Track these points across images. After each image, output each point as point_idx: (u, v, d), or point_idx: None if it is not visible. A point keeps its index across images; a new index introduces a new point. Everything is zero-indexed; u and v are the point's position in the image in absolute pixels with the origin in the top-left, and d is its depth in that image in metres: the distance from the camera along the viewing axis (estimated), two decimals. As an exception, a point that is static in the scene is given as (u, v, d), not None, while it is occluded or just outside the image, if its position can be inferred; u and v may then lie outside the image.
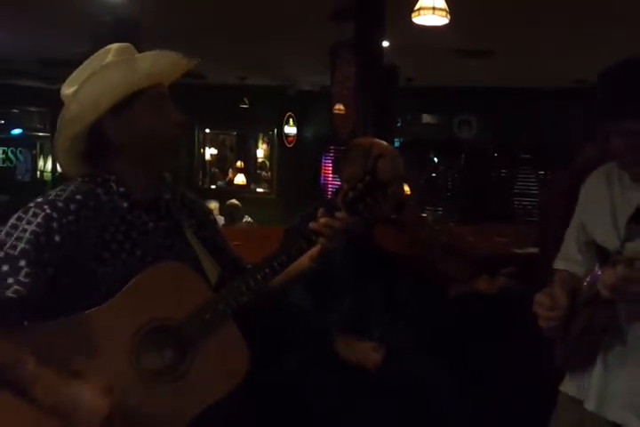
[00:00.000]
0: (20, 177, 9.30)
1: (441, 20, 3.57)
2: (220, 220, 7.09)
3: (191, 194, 1.61)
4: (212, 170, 9.53)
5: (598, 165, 1.54)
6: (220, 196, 7.86)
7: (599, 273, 1.26)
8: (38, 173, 9.54)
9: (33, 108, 9.08)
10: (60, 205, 1.31)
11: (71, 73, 1.40)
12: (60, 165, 1.47)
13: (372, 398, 1.96)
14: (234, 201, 7.52)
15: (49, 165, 9.53)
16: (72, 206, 1.31)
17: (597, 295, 1.23)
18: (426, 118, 8.20)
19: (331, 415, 1.93)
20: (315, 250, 1.50)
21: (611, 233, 1.39)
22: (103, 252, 1.33)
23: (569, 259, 1.54)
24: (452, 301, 2.25)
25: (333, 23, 4.18)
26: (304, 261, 1.52)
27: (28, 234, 1.27)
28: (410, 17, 3.60)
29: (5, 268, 1.25)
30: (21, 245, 1.26)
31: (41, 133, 9.26)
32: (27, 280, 1.24)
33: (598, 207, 1.46)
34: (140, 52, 1.40)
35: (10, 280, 1.23)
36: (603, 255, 1.36)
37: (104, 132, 1.35)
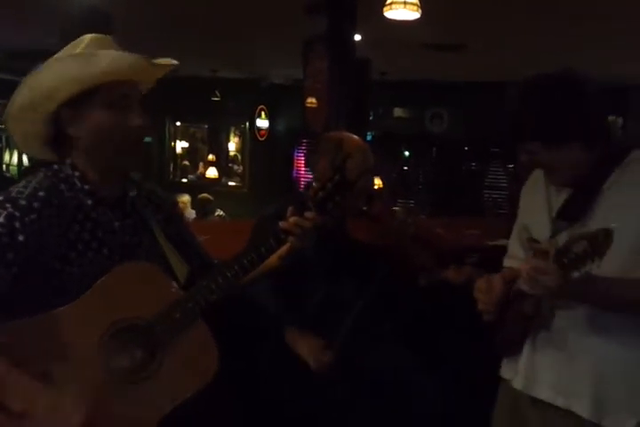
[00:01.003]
0: (-16, 170, 9.14)
1: (412, 14, 3.60)
2: (192, 213, 7.06)
3: (158, 189, 1.59)
4: (183, 163, 9.46)
5: None
6: (192, 189, 7.82)
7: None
8: (4, 166, 9.37)
9: (-1, 101, 8.91)
10: (22, 203, 1.27)
11: (40, 65, 1.35)
12: (25, 153, 1.46)
13: (345, 388, 1.98)
14: (205, 195, 7.49)
15: (15, 159, 9.36)
16: (35, 204, 1.28)
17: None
18: (398, 112, 8.25)
19: (305, 406, 1.95)
20: (284, 249, 1.50)
21: (544, 228, 1.48)
22: (69, 251, 1.31)
23: (513, 256, 1.63)
24: (423, 290, 2.29)
25: (306, 17, 4.17)
26: (272, 259, 1.52)
27: None
28: (382, 11, 3.62)
29: None
30: None
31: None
32: None
33: (536, 206, 1.55)
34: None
35: None
36: (534, 244, 1.45)
37: (61, 124, 1.34)
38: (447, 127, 7.95)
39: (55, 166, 1.38)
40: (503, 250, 2.74)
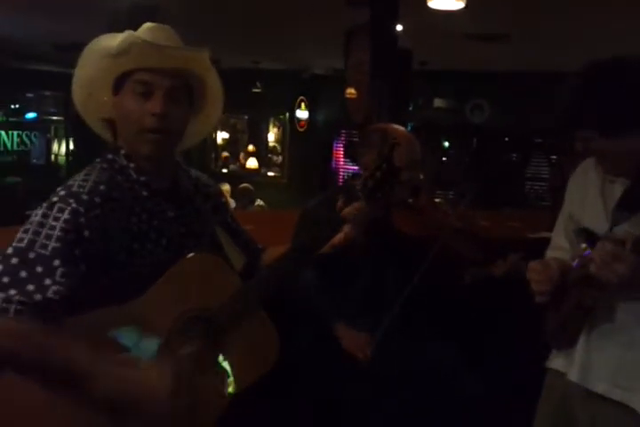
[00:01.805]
0: (34, 160, 9.37)
1: (456, 4, 3.57)
2: (232, 203, 7.15)
3: (203, 176, 1.60)
4: (224, 154, 9.57)
5: None
6: (232, 179, 7.91)
7: (588, 253, 1.33)
8: (52, 156, 9.61)
9: (47, 93, 9.13)
10: (84, 198, 1.27)
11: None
12: (93, 128, 1.45)
13: (387, 384, 2.00)
14: (246, 185, 7.56)
15: (63, 149, 9.60)
16: (97, 199, 1.28)
17: (587, 276, 1.30)
18: (438, 102, 8.17)
19: (347, 404, 1.98)
20: (337, 238, 1.51)
21: (600, 218, 1.46)
22: (132, 243, 1.31)
23: (558, 248, 1.61)
24: (468, 286, 2.28)
25: (348, 7, 4.17)
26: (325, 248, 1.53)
27: (57, 231, 1.23)
28: (425, 1, 3.60)
29: (40, 269, 1.21)
30: (52, 244, 1.22)
31: (55, 117, 9.32)
32: (63, 280, 1.21)
33: (587, 196, 1.53)
34: None
35: (47, 281, 1.20)
36: (591, 238, 1.43)
37: (112, 109, 1.37)
38: (488, 118, 7.85)
39: (109, 156, 1.39)
40: (546, 242, 2.73)
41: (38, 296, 1.19)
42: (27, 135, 9.22)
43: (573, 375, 1.47)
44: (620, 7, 4.15)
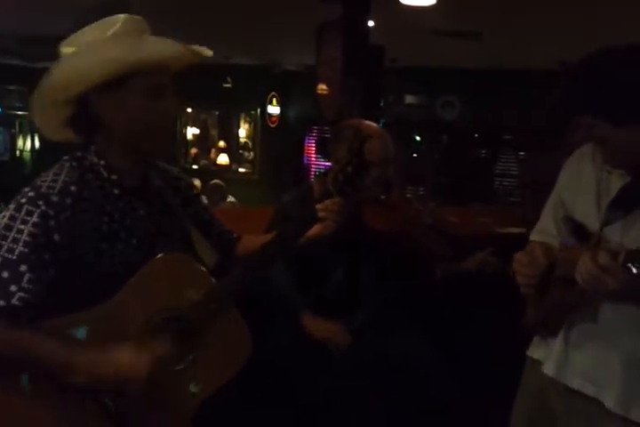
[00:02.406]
0: (-2, 156, 9.20)
1: (428, 0, 3.58)
2: (203, 200, 7.09)
3: (173, 170, 1.58)
4: (194, 150, 9.48)
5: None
6: (203, 176, 7.84)
7: (570, 243, 1.33)
8: (17, 152, 9.42)
9: (12, 87, 8.93)
10: (54, 199, 1.23)
11: (52, 51, 1.33)
12: (41, 130, 1.37)
13: (360, 377, 2.00)
14: (217, 181, 7.50)
15: (28, 144, 9.41)
16: (68, 200, 1.25)
17: (571, 276, 1.27)
18: (409, 99, 8.20)
19: (319, 395, 1.98)
20: (313, 230, 1.51)
21: (592, 214, 1.42)
22: (100, 243, 1.29)
23: (545, 232, 1.58)
24: (439, 280, 2.30)
25: (320, 3, 4.15)
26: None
27: (24, 236, 1.20)
28: (397, -3, 3.61)
29: (5, 274, 1.19)
30: (19, 248, 1.19)
31: (20, 112, 9.12)
32: (30, 286, 1.20)
33: (582, 187, 1.48)
34: None
35: (13, 288, 1.18)
36: (580, 232, 1.42)
37: (89, 106, 1.29)
38: (458, 114, 7.91)
39: (79, 154, 1.34)
40: (515, 238, 2.76)
41: (2, 302, 1.18)
42: (-10, 130, 9.04)
43: (549, 370, 1.47)
44: (591, 5, 4.20)
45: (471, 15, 4.87)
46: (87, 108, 1.30)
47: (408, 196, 4.84)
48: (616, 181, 1.42)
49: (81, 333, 1.25)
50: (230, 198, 7.42)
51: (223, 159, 9.03)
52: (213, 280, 1.39)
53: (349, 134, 2.11)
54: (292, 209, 2.08)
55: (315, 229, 1.49)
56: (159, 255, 1.34)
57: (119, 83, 1.27)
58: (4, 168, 8.83)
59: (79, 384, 1.19)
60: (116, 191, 1.34)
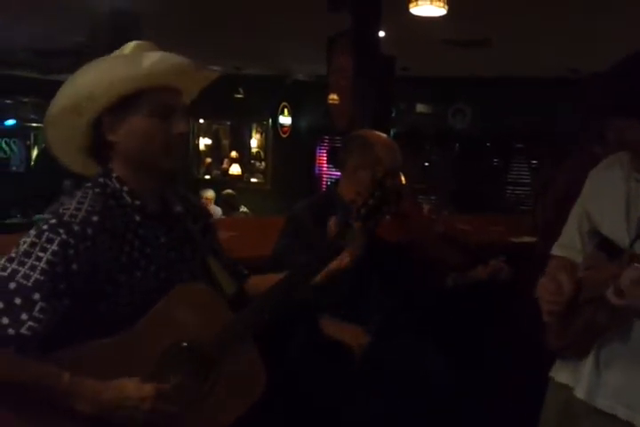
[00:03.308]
0: (14, 168, 9.27)
1: (438, 10, 3.60)
2: (217, 210, 7.13)
3: (191, 196, 1.57)
4: (207, 160, 9.54)
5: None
6: (215, 186, 7.89)
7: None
8: (32, 163, 9.52)
9: (27, 99, 9.03)
10: (76, 229, 1.22)
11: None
12: (62, 162, 1.37)
13: (370, 384, 2.00)
14: (230, 191, 7.54)
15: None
16: (89, 231, 1.23)
17: (602, 296, 1.23)
18: (420, 108, 8.22)
19: (330, 402, 1.97)
20: (333, 265, 1.47)
21: (621, 228, 1.37)
22: (120, 274, 1.28)
23: (569, 246, 1.53)
24: (450, 290, 2.29)
25: (330, 13, 4.18)
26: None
27: (42, 263, 1.18)
28: (407, 7, 3.63)
29: (18, 301, 1.16)
30: (35, 276, 1.17)
31: (35, 124, 9.20)
32: (41, 316, 1.17)
33: (610, 198, 1.43)
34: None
35: (24, 316, 1.16)
36: (608, 247, 1.36)
37: (104, 131, 1.30)
38: (469, 123, 7.91)
39: (101, 180, 1.34)
40: (528, 247, 2.75)
41: (11, 331, 1.16)
42: (6, 142, 9.12)
43: (580, 393, 1.42)
44: (603, 12, 4.20)
45: (481, 24, 4.89)
46: (102, 134, 1.31)
47: (422, 204, 4.83)
48: None
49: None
50: (243, 208, 7.45)
51: (235, 169, 9.07)
52: (231, 312, 1.37)
53: (358, 145, 2.13)
54: (304, 218, 2.09)
55: (336, 263, 1.46)
56: (178, 285, 1.33)
57: (127, 102, 1.28)
58: (19, 180, 8.92)
59: (84, 413, 1.18)
60: (138, 218, 1.33)
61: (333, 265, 1.46)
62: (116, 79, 1.27)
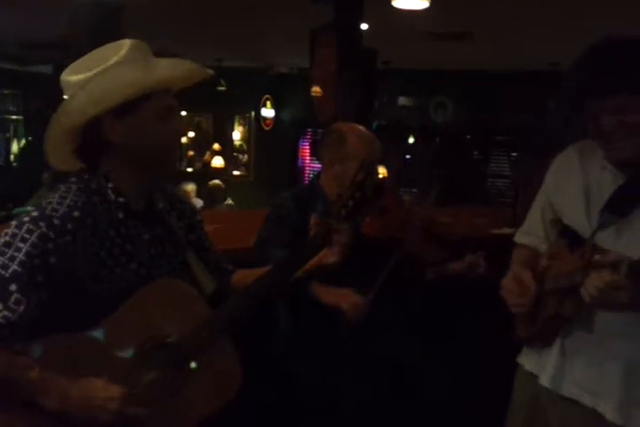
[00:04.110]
0: (-7, 161, 9.17)
1: (421, 3, 3.61)
2: (199, 202, 7.11)
3: (179, 193, 1.58)
4: (189, 153, 9.50)
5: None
6: (197, 178, 7.85)
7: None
8: (12, 156, 9.41)
9: (6, 91, 8.92)
10: (56, 222, 1.23)
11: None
12: (49, 160, 1.36)
13: (351, 374, 2.02)
14: (216, 181, 7.49)
15: (23, 148, 9.40)
16: (69, 226, 1.24)
17: (568, 287, 1.26)
18: (402, 101, 8.25)
19: (313, 391, 1.99)
20: (315, 261, 1.46)
21: (582, 218, 1.38)
22: (100, 269, 1.28)
23: (532, 234, 1.55)
24: (430, 283, 2.31)
25: (313, 5, 4.18)
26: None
27: (21, 255, 1.19)
28: (389, 0, 3.64)
29: None
30: (13, 267, 1.19)
31: (14, 116, 9.09)
32: (15, 307, 1.18)
33: (570, 188, 1.43)
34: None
35: None
36: (570, 236, 1.38)
37: (101, 131, 1.29)
38: (451, 116, 7.96)
39: (86, 176, 1.34)
40: (509, 238, 2.79)
41: None
42: (-16, 135, 9.00)
43: (545, 381, 1.44)
44: (583, 5, 4.24)
45: (463, 18, 4.91)
46: (98, 133, 1.30)
47: (402, 198, 4.85)
48: (609, 184, 1.36)
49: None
50: (228, 201, 7.44)
51: (218, 162, 9.04)
52: (209, 309, 1.37)
53: (334, 139, 2.14)
54: (288, 207, 2.10)
55: (316, 260, 1.45)
56: (155, 282, 1.33)
57: (132, 106, 1.28)
58: (-1, 173, 8.82)
59: (51, 409, 1.18)
60: (121, 215, 1.33)
61: (314, 262, 1.45)
62: (128, 84, 1.26)
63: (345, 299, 1.93)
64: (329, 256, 1.43)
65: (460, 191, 7.49)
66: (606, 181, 1.37)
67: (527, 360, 1.53)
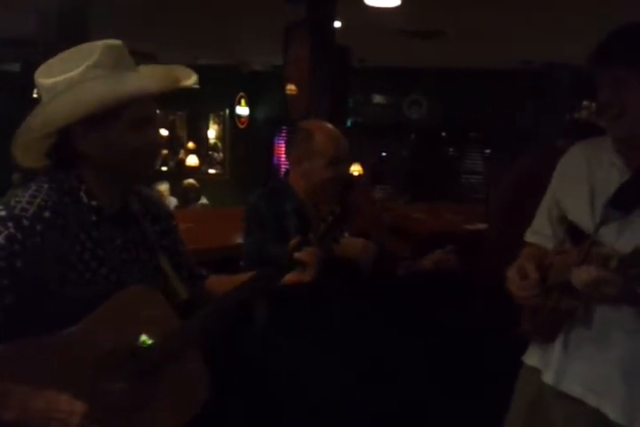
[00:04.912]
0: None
1: (393, 1, 3.63)
2: (173, 200, 7.05)
3: (154, 196, 1.53)
4: (163, 151, 9.42)
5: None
6: (172, 177, 7.79)
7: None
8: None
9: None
10: (25, 223, 1.18)
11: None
12: (17, 158, 1.30)
13: (329, 367, 2.03)
14: (191, 181, 7.44)
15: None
16: (38, 227, 1.19)
17: (566, 282, 1.25)
18: (377, 99, 8.29)
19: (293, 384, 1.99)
20: (289, 278, 1.43)
21: (586, 214, 1.38)
22: (68, 273, 1.23)
23: (539, 233, 1.55)
24: (402, 278, 2.33)
25: (286, 3, 4.18)
26: None
27: None
28: (362, -2, 3.65)
29: None
30: None
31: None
32: None
33: (575, 185, 1.44)
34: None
35: None
36: (574, 233, 1.38)
37: (73, 140, 1.24)
38: (425, 114, 8.02)
39: (60, 175, 1.29)
40: (481, 234, 2.82)
41: None
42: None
43: (548, 378, 1.43)
44: (554, 4, 4.29)
45: (435, 16, 4.95)
46: (70, 142, 1.25)
47: (373, 195, 4.86)
48: (615, 181, 1.35)
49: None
50: (203, 200, 7.39)
51: (193, 161, 8.98)
52: (178, 318, 1.34)
53: (302, 137, 2.14)
54: (260, 209, 2.10)
55: (293, 276, 1.42)
56: (125, 289, 1.29)
57: (104, 117, 1.23)
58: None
59: (9, 420, 1.13)
60: (94, 218, 1.29)
61: (287, 279, 1.43)
62: (94, 100, 1.21)
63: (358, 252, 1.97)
64: (305, 276, 1.41)
65: (434, 188, 7.56)
66: (613, 178, 1.36)
67: (531, 356, 1.53)
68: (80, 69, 1.23)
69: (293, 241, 1.44)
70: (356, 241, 2.02)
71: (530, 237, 1.59)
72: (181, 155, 9.25)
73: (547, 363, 1.45)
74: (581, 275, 1.17)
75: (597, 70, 1.32)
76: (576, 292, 1.24)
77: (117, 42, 1.29)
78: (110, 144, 1.25)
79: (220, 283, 1.54)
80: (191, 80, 1.35)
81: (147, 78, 1.29)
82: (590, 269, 1.15)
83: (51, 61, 1.28)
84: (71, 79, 1.23)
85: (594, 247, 1.24)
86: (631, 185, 1.32)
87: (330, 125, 2.21)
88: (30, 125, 1.25)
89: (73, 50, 1.28)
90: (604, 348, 1.34)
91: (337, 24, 4.44)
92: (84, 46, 1.27)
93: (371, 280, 2.15)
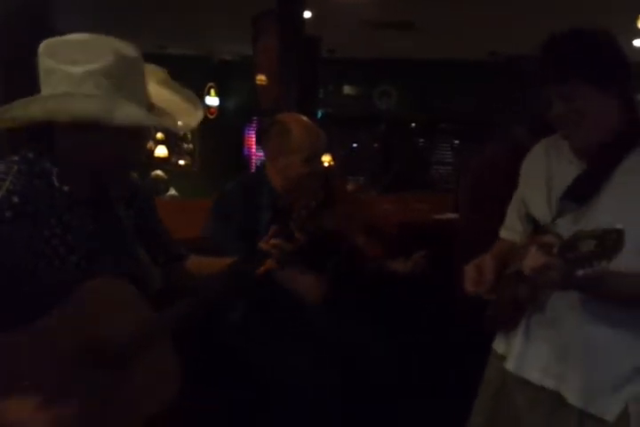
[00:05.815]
0: None
1: (361, -9, 3.63)
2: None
3: (134, 176, 1.47)
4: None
5: (530, 141, 1.60)
6: (140, 168, 7.70)
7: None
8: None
9: None
10: None
11: None
12: None
13: (307, 355, 2.03)
14: (158, 172, 7.37)
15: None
16: (7, 214, 1.15)
17: (520, 270, 1.29)
18: (347, 89, 8.29)
19: (272, 373, 2.00)
20: (264, 268, 1.44)
21: (544, 207, 1.42)
22: (37, 260, 1.20)
23: (511, 229, 1.60)
24: (373, 276, 2.34)
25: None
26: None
27: None
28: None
29: None
30: None
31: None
32: None
33: (535, 180, 1.48)
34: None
35: None
36: (536, 226, 1.42)
37: (55, 132, 1.20)
38: (395, 104, 8.05)
39: (30, 155, 1.23)
40: (451, 223, 2.85)
41: None
42: None
43: (510, 365, 1.47)
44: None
45: (404, 7, 4.96)
46: (51, 131, 1.21)
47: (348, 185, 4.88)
48: (571, 174, 1.39)
49: None
50: (172, 191, 7.32)
51: (162, 151, 8.87)
52: (149, 309, 1.32)
53: (278, 130, 2.13)
54: (234, 200, 2.09)
55: (266, 266, 1.43)
56: (94, 279, 1.25)
57: (88, 128, 1.17)
58: None
59: None
60: (65, 203, 1.24)
61: (262, 269, 1.44)
62: (81, 116, 1.15)
63: (312, 289, 1.97)
64: (274, 265, 1.43)
65: (404, 178, 7.60)
66: (570, 172, 1.40)
67: (498, 343, 1.57)
68: (91, 67, 1.17)
69: (272, 229, 1.44)
70: (307, 277, 2.00)
71: (503, 233, 1.63)
72: (150, 145, 9.13)
73: (509, 350, 1.50)
74: (528, 261, 1.22)
75: (552, 84, 1.34)
76: (528, 279, 1.28)
77: (134, 54, 1.24)
78: (92, 149, 1.21)
79: (200, 264, 1.54)
80: (193, 122, 1.34)
81: (137, 113, 1.19)
82: (536, 256, 1.20)
83: (69, 47, 1.19)
84: (65, 94, 1.16)
85: (540, 236, 1.29)
86: (586, 177, 1.36)
87: (306, 119, 2.19)
88: (28, 111, 1.17)
89: (93, 39, 1.22)
90: (560, 332, 1.38)
91: (307, 14, 4.42)
92: (103, 41, 1.22)
93: (343, 279, 2.16)
